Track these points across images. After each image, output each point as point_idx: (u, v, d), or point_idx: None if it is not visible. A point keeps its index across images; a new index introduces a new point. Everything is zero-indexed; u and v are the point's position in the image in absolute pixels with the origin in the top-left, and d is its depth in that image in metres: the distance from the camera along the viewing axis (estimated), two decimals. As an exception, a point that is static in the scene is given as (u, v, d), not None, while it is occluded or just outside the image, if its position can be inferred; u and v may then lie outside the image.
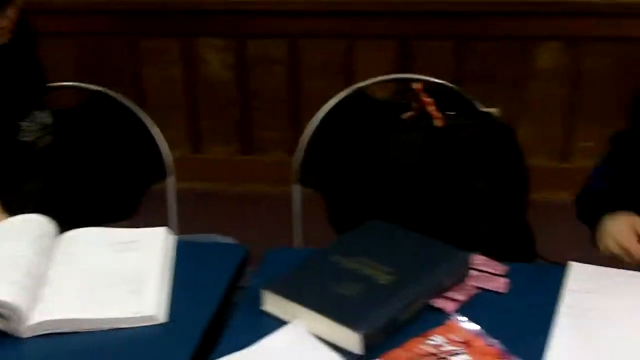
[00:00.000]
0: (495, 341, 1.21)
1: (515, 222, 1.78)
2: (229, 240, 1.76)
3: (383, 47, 3.16)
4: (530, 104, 3.24)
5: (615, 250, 1.47)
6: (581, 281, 1.37)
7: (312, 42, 3.17)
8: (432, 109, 1.64)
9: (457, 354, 1.18)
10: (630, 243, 1.44)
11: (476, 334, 1.23)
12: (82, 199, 1.74)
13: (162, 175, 1.92)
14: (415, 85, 1.67)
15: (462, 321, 1.26)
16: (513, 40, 3.13)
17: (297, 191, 1.84)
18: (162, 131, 1.95)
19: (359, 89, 1.88)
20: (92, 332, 1.26)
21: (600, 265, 1.43)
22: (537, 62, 3.17)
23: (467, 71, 3.19)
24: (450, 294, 1.34)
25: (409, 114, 1.70)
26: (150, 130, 1.92)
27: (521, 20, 3.08)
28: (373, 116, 1.75)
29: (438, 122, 1.63)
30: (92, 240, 1.46)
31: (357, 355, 1.20)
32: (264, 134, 3.28)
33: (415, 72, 3.12)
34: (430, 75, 3.12)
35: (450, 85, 1.88)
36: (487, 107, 3.20)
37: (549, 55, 3.15)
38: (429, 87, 1.83)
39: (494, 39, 3.14)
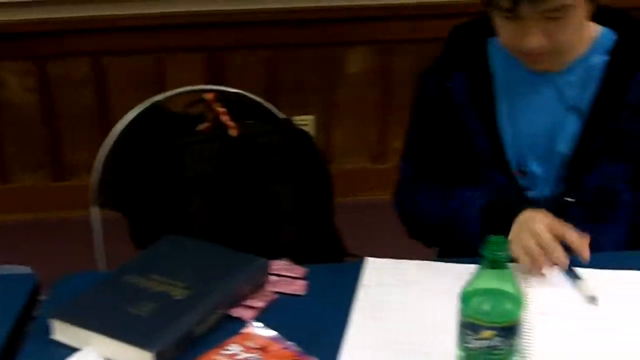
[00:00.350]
0: (291, 344, 1.21)
1: (320, 225, 1.79)
2: (25, 270, 1.67)
3: (193, 60, 3.13)
4: (343, 109, 3.31)
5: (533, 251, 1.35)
6: (376, 275, 1.40)
7: (118, 59, 3.09)
8: (225, 118, 1.63)
9: (252, 361, 1.17)
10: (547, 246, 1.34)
11: (272, 339, 1.22)
12: None
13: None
14: (207, 96, 1.65)
15: (258, 328, 1.25)
16: (322, 47, 3.19)
17: (95, 213, 1.77)
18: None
19: (155, 103, 1.83)
20: None
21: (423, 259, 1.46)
22: (347, 67, 3.24)
23: (279, 80, 3.22)
24: (248, 302, 1.33)
25: (204, 125, 1.68)
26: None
27: (329, 26, 3.14)
28: (169, 129, 1.72)
29: (233, 132, 1.62)
30: None
31: (151, 374, 1.16)
32: (75, 157, 3.16)
33: (227, 84, 3.14)
34: (243, 86, 3.15)
35: (249, 95, 1.87)
36: (301, 114, 3.28)
37: (358, 59, 3.23)
38: (226, 98, 1.83)
39: (303, 46, 3.19)
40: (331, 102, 3.29)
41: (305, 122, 3.31)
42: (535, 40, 1.35)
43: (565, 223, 1.36)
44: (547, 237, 1.32)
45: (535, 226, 1.34)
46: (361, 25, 3.15)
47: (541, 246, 1.32)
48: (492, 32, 1.52)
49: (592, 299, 1.29)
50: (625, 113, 1.45)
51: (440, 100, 1.56)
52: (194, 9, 3.04)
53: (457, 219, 1.52)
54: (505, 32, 1.40)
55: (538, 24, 1.33)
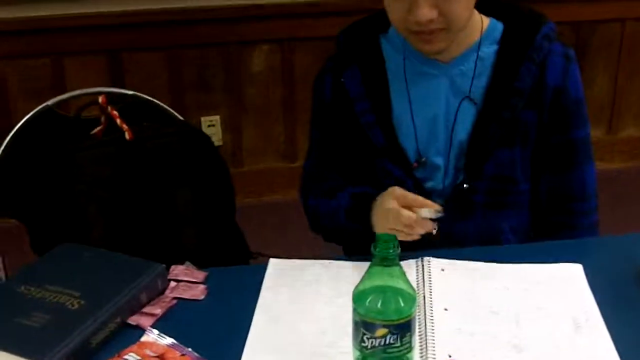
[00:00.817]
0: (190, 351, 1.19)
1: (222, 227, 1.77)
2: None
3: (93, 62, 3.07)
4: (250, 108, 3.30)
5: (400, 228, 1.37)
6: (278, 277, 1.40)
7: (15, 63, 3.00)
8: (119, 121, 1.59)
9: (150, 369, 1.15)
10: (405, 220, 1.35)
11: (170, 346, 1.20)
12: None
13: None
14: (100, 99, 1.61)
15: (156, 335, 1.23)
16: (225, 45, 3.17)
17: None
18: None
19: (49, 106, 1.78)
20: None
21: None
22: (252, 66, 3.23)
23: (184, 80, 3.19)
24: (147, 309, 1.31)
25: (98, 128, 1.64)
26: None
27: (231, 25, 3.13)
28: (62, 134, 1.67)
29: (127, 135, 1.59)
30: None
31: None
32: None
33: (130, 86, 3.09)
34: (147, 88, 3.09)
35: (145, 96, 1.83)
36: (208, 114, 3.26)
37: (261, 58, 3.22)
38: (124, 100, 1.80)
39: (207, 46, 3.16)
40: (238, 101, 3.27)
41: (212, 122, 3.29)
42: (426, 11, 1.36)
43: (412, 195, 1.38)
44: (395, 210, 1.35)
45: (385, 205, 1.37)
46: (263, 23, 3.15)
47: (398, 220, 1.34)
48: (384, 28, 1.55)
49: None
50: (517, 100, 1.48)
51: (336, 99, 1.56)
52: (93, 10, 2.98)
53: (335, 218, 1.54)
54: (396, 9, 1.41)
55: None
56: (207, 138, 1.72)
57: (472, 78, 1.50)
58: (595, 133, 3.62)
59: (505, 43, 1.50)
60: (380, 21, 1.53)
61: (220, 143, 3.31)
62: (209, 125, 3.29)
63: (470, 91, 1.50)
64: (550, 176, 1.57)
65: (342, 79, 1.54)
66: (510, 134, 1.50)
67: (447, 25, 1.40)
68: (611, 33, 3.45)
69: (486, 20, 1.53)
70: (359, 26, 1.57)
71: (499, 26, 1.52)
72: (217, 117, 3.29)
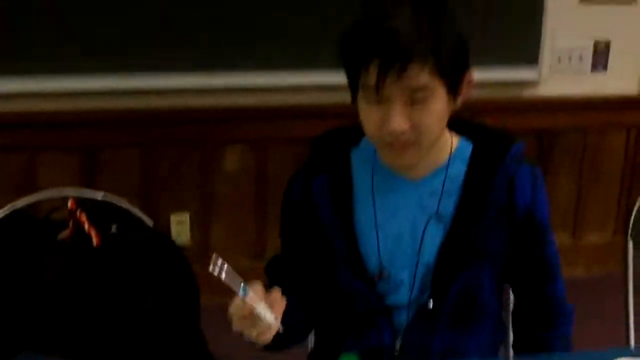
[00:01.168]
0: None
1: (185, 331, 1.78)
2: None
3: (66, 159, 3.08)
4: (221, 206, 3.32)
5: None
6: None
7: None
8: (87, 227, 1.61)
9: None
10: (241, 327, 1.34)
11: None
12: None
13: None
14: (69, 203, 1.63)
15: None
16: (198, 145, 3.21)
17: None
18: None
19: (18, 208, 1.80)
20: None
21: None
22: (224, 165, 3.27)
23: (156, 178, 3.21)
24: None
25: (65, 232, 1.66)
26: None
27: (205, 126, 3.18)
28: (30, 238, 1.68)
29: (94, 240, 1.61)
30: None
31: None
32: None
33: (100, 183, 3.11)
34: (118, 185, 3.11)
35: (114, 201, 1.85)
36: (178, 211, 3.26)
37: (234, 157, 3.27)
38: (92, 201, 1.82)
39: (179, 144, 3.20)
40: (209, 200, 3.29)
41: (182, 220, 3.29)
42: (399, 120, 1.37)
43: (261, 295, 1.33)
44: (235, 319, 1.32)
45: (230, 313, 1.34)
46: (237, 124, 3.20)
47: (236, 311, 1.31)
48: (355, 140, 1.57)
49: None
50: (486, 221, 1.49)
51: (304, 203, 1.58)
52: (67, 107, 3.02)
53: None
54: (370, 118, 1.42)
55: (402, 107, 1.37)
56: (173, 243, 1.74)
57: (440, 198, 1.51)
58: (560, 239, 3.68)
59: (474, 163, 1.51)
60: (352, 134, 1.56)
61: (190, 241, 3.31)
62: (178, 223, 3.30)
63: (437, 211, 1.51)
64: (524, 293, 1.60)
65: (312, 186, 1.56)
66: (479, 255, 1.51)
67: (418, 139, 1.41)
68: (573, 142, 3.55)
69: (456, 140, 1.54)
70: (332, 136, 1.59)
71: (469, 146, 1.54)
72: (187, 215, 3.30)
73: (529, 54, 3.31)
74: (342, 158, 1.57)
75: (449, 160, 1.52)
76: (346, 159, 1.57)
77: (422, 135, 1.41)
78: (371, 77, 1.36)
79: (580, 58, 3.43)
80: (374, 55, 1.35)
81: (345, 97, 1.46)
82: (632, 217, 2.07)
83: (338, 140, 1.59)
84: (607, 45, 3.46)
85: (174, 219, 3.29)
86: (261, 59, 3.05)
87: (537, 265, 1.57)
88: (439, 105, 1.40)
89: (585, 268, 3.69)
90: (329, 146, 1.59)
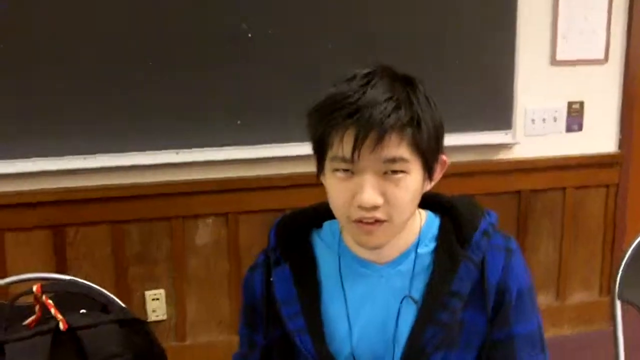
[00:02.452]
0: None
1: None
2: None
3: (35, 235, 3.01)
4: (194, 281, 3.25)
5: None
6: None
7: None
8: (54, 311, 1.53)
9: None
10: None
11: None
12: None
13: None
14: (35, 288, 1.55)
15: None
16: (169, 219, 3.16)
17: None
18: None
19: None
20: None
21: None
22: (196, 238, 3.21)
23: (128, 254, 3.14)
24: None
25: (31, 318, 1.58)
26: None
27: (175, 199, 3.13)
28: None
29: (61, 325, 1.52)
30: None
31: None
32: None
33: (72, 261, 3.03)
34: (89, 261, 3.04)
35: (83, 283, 1.78)
36: (152, 288, 3.18)
37: (206, 230, 3.21)
38: (61, 283, 1.74)
39: (150, 220, 3.14)
40: (182, 274, 3.23)
41: (157, 296, 3.22)
42: (372, 193, 1.29)
43: None
44: None
45: None
46: (207, 197, 3.16)
47: None
48: (316, 223, 1.50)
49: None
50: (456, 302, 1.40)
51: (266, 298, 1.48)
52: (37, 187, 2.96)
53: None
54: (341, 193, 1.33)
55: (376, 180, 1.30)
56: (144, 325, 1.65)
57: (411, 278, 1.42)
58: (544, 299, 3.64)
59: (441, 242, 1.44)
60: (313, 216, 1.48)
61: (165, 317, 3.23)
62: (153, 299, 3.23)
63: (410, 291, 1.42)
64: None
65: (272, 279, 1.46)
66: (451, 336, 1.41)
67: (390, 216, 1.33)
68: (553, 201, 3.54)
69: (424, 216, 1.47)
70: (291, 220, 1.50)
71: (436, 222, 1.47)
72: (162, 291, 3.23)
73: (502, 118, 3.34)
74: (304, 243, 1.48)
75: (418, 239, 1.44)
76: (308, 244, 1.49)
77: (394, 213, 1.33)
78: (346, 147, 1.29)
79: (555, 119, 3.46)
80: (350, 124, 1.29)
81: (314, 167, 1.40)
82: (619, 277, 2.02)
83: (298, 224, 1.50)
84: (582, 105, 3.49)
85: (149, 295, 3.21)
86: (228, 136, 3.07)
87: (504, 344, 1.45)
88: (414, 182, 1.33)
89: (570, 328, 3.65)
90: (288, 231, 1.49)
